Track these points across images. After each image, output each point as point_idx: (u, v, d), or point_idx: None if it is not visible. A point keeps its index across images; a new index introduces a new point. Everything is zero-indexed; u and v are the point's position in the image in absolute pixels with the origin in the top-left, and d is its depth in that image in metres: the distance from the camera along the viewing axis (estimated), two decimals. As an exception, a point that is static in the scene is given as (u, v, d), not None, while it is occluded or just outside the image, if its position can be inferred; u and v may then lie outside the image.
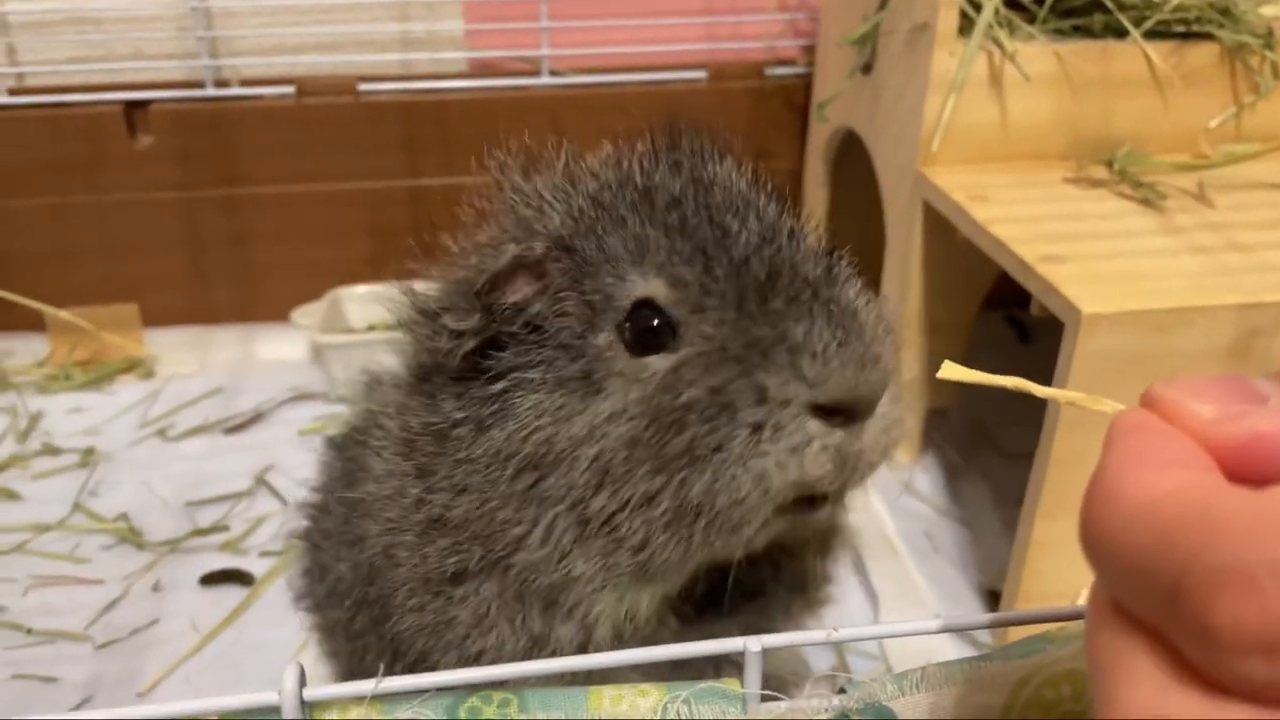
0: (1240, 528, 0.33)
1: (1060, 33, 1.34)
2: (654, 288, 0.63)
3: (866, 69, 1.45)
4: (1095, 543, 0.39)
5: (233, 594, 1.28)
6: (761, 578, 0.75)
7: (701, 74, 1.74)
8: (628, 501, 0.62)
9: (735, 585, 0.73)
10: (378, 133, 1.69)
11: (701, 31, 1.76)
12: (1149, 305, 1.01)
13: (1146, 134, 1.34)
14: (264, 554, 1.34)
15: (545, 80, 1.70)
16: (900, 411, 0.65)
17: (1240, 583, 0.32)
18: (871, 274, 1.47)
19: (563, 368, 0.64)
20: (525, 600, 0.69)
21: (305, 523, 0.98)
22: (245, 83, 1.68)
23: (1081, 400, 0.51)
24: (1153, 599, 0.35)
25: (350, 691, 0.55)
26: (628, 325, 0.63)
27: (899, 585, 1.27)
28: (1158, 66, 1.31)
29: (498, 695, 0.56)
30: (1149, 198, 1.23)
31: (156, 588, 1.29)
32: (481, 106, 1.69)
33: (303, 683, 0.55)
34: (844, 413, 0.60)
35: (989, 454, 1.55)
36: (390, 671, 0.80)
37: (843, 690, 0.58)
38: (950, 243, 1.30)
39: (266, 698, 0.54)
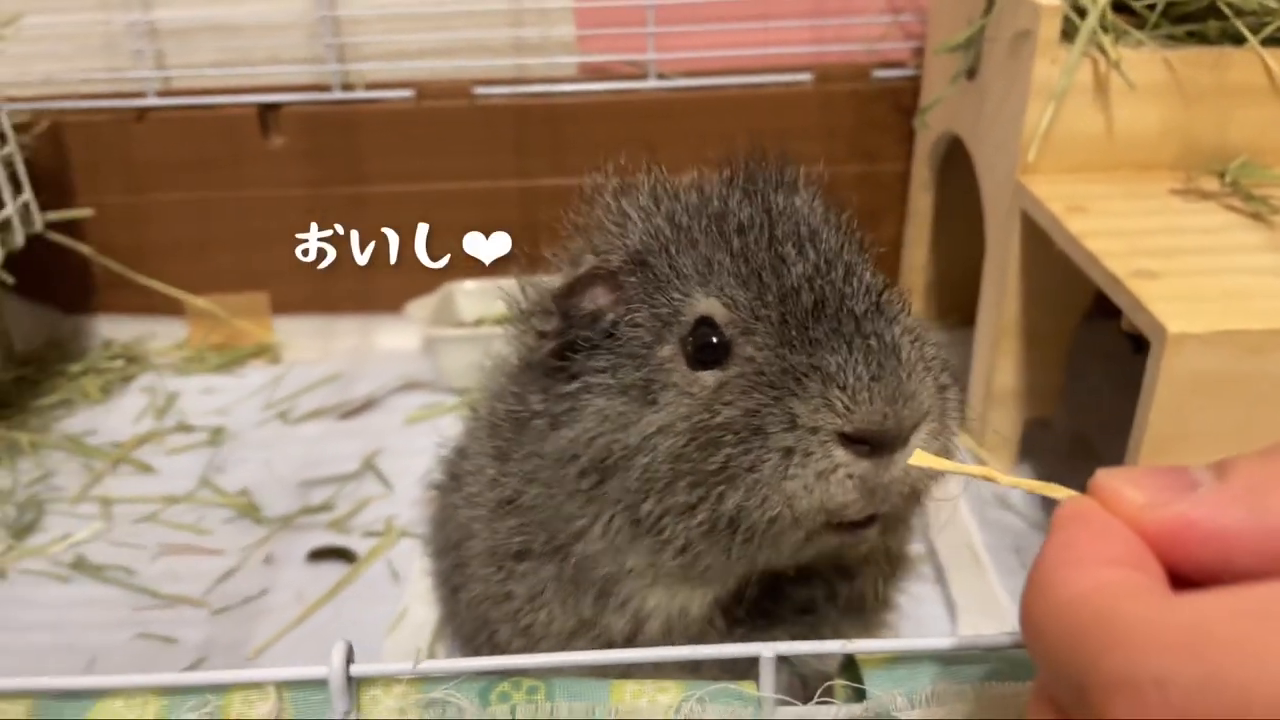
0: (1136, 639, 0.35)
1: (1173, 39, 1.30)
2: (713, 307, 0.67)
3: (971, 74, 1.43)
4: (1027, 632, 0.41)
5: (336, 570, 1.36)
6: (814, 596, 0.78)
7: (807, 76, 1.74)
8: (670, 509, 0.66)
9: (787, 600, 0.76)
10: (491, 134, 1.75)
11: (808, 34, 1.76)
12: (1242, 325, 0.98)
13: (1264, 145, 1.28)
14: (367, 534, 1.42)
15: (652, 84, 1.74)
16: (937, 449, 0.66)
17: (1129, 693, 0.34)
18: (973, 281, 1.47)
19: (627, 375, 0.69)
20: (580, 586, 0.74)
21: (440, 475, 1.04)
22: (369, 86, 1.77)
23: (1038, 488, 0.53)
24: (1068, 694, 0.38)
25: (392, 670, 0.60)
26: (689, 340, 0.67)
27: (979, 599, 1.26)
28: (1277, 75, 1.26)
29: (527, 682, 0.60)
30: (1260, 212, 1.18)
31: (269, 560, 1.38)
32: (590, 110, 1.74)
33: (350, 660, 0.60)
34: (872, 444, 0.62)
35: (1090, 467, 1.50)
36: (461, 633, 0.88)
37: (860, 697, 0.59)
38: (1049, 253, 1.27)
39: (316, 671, 0.59)
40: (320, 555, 1.38)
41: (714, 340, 0.66)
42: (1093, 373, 1.70)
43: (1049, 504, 1.48)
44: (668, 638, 0.73)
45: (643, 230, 0.72)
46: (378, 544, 1.39)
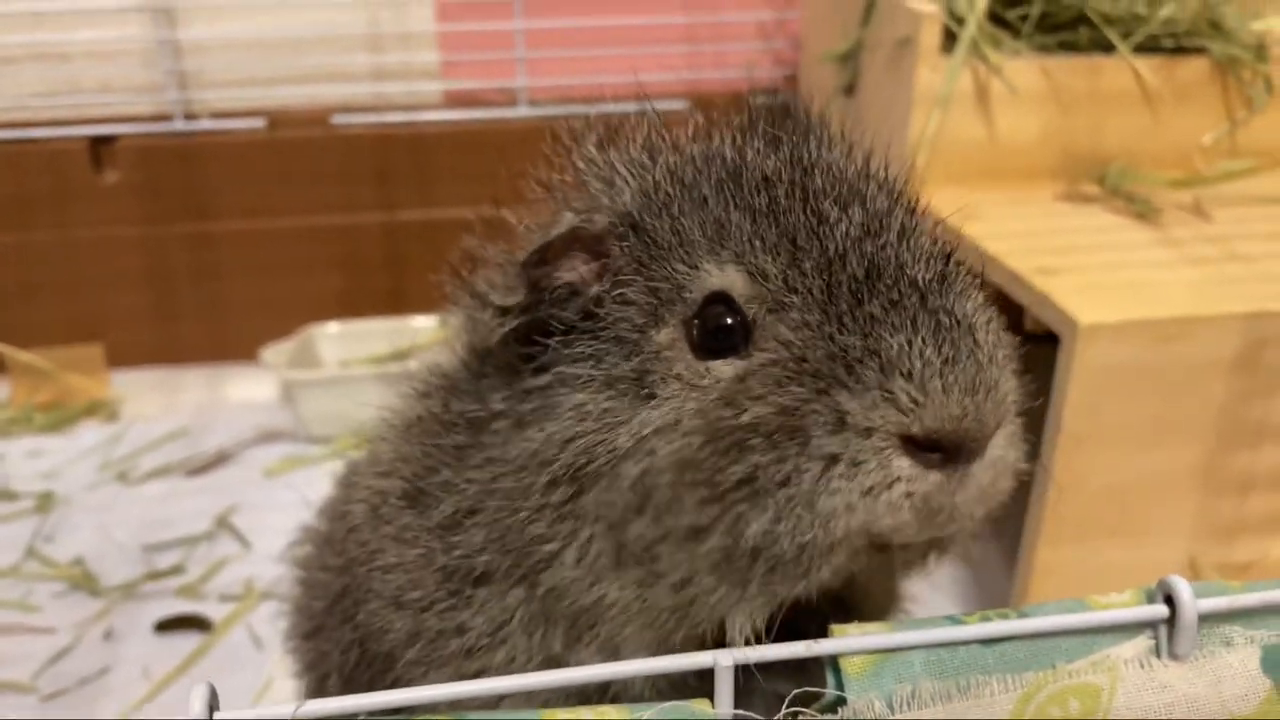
0: None
1: (1045, 49, 1.31)
2: (730, 279, 0.54)
3: (849, 90, 1.42)
4: None
5: (189, 641, 1.21)
6: (806, 633, 0.64)
7: (681, 104, 1.70)
8: (670, 533, 0.53)
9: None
10: (351, 165, 1.65)
11: (682, 60, 1.73)
12: (1151, 314, 0.97)
13: (1138, 150, 1.30)
14: (223, 598, 1.27)
15: (522, 111, 1.67)
16: (1016, 457, 0.54)
17: None
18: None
19: (614, 365, 0.56)
20: (550, 619, 0.60)
21: (303, 548, 0.89)
22: (215, 116, 1.65)
23: None
24: None
25: (266, 715, 0.49)
26: (696, 323, 0.54)
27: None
28: (1147, 81, 1.28)
29: (437, 720, 0.50)
30: (1144, 212, 1.19)
31: (108, 635, 1.22)
32: (457, 138, 1.66)
33: (214, 706, 0.48)
34: (945, 450, 0.49)
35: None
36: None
37: (834, 708, 0.51)
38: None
39: (170, 724, 0.48)
40: (169, 625, 1.23)
41: (729, 322, 0.53)
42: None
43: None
44: (649, 682, 0.59)
45: (636, 187, 0.58)
46: (236, 608, 1.24)
